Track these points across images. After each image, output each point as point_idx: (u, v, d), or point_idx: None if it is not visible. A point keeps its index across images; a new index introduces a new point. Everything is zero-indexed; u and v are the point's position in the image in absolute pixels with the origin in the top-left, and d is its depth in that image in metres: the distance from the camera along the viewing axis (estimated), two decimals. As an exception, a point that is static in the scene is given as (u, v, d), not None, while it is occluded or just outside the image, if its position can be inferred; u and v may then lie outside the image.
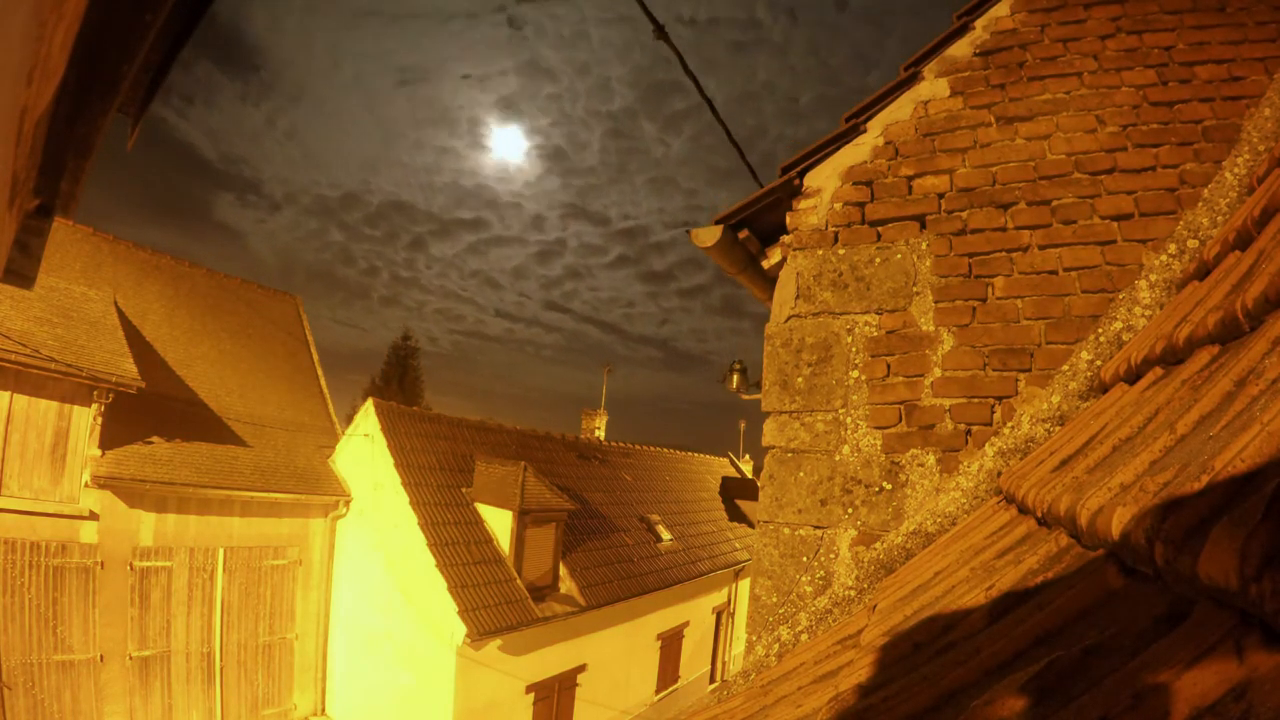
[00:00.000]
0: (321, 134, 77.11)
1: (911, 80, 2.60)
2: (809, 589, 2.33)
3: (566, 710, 11.17)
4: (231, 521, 10.20)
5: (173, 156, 62.90)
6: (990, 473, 2.04)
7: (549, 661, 10.65)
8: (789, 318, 2.56)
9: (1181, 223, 2.09)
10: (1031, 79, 2.43)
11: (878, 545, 2.20)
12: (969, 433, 2.19)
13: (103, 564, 8.74)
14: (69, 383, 8.50)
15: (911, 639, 1.21)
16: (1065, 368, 2.08)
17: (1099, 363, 2.01)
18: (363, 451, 11.18)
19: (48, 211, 1.61)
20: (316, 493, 11.11)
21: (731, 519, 18.44)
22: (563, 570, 11.19)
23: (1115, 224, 2.19)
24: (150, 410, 9.93)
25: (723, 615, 16.62)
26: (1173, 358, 1.44)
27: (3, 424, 8.07)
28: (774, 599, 2.40)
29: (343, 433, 12.50)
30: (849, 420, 2.37)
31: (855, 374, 2.40)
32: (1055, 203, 2.27)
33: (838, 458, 2.37)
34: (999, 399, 2.18)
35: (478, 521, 10.73)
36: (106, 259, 12.09)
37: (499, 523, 10.71)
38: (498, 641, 9.52)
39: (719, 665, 16.54)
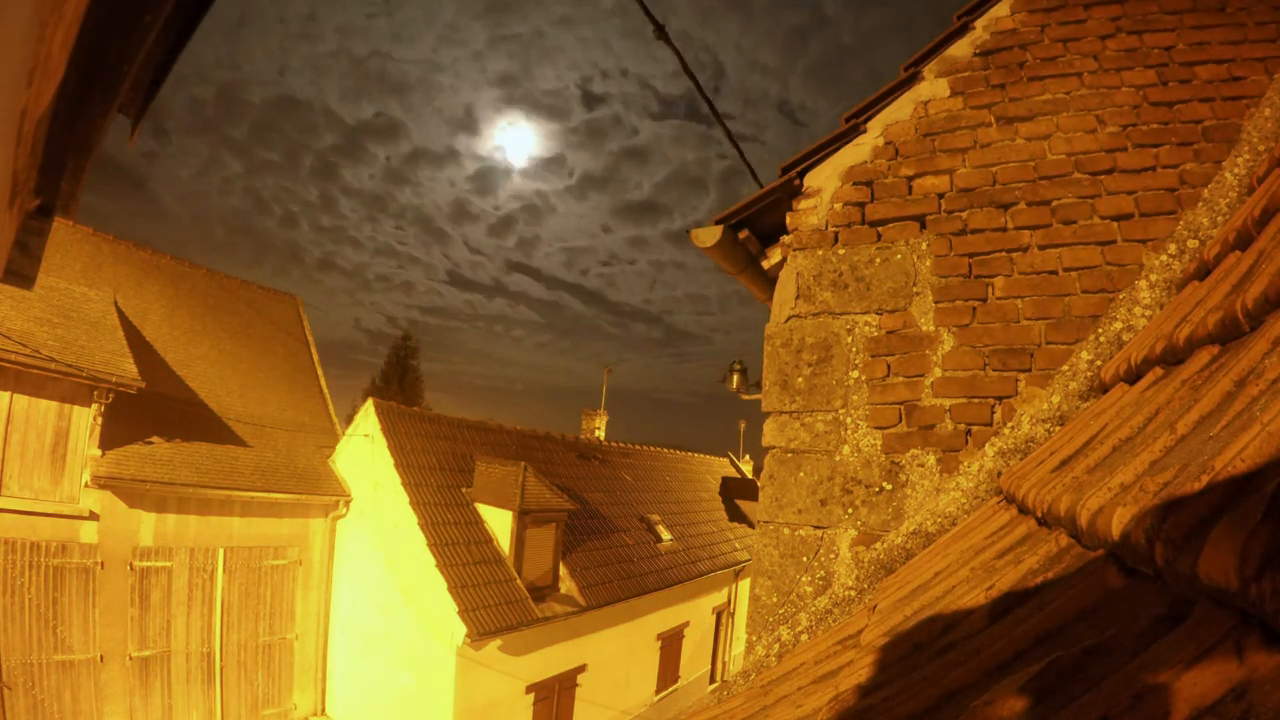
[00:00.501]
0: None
1: (911, 80, 2.60)
2: (809, 589, 2.33)
3: (566, 710, 11.17)
4: (231, 521, 10.20)
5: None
6: (990, 473, 2.04)
7: (549, 661, 10.64)
8: (789, 318, 2.56)
9: (1181, 223, 2.09)
10: (1031, 79, 2.43)
11: (878, 545, 2.20)
12: (969, 433, 2.19)
13: (103, 564, 8.74)
14: (69, 383, 8.50)
15: (912, 639, 1.21)
16: (1065, 368, 2.08)
17: (1099, 363, 2.01)
18: (363, 451, 11.17)
19: (48, 211, 1.61)
20: (316, 493, 11.10)
21: (731, 519, 18.44)
22: (563, 570, 11.18)
23: (1115, 224, 2.18)
24: (150, 410, 9.93)
25: (723, 615, 16.62)
26: (1173, 358, 1.44)
27: (3, 424, 8.07)
28: (774, 599, 2.40)
29: (343, 433, 12.50)
30: (849, 420, 2.37)
31: (855, 374, 2.40)
32: (1055, 203, 2.27)
33: (838, 458, 2.37)
34: (999, 399, 2.18)
35: (478, 521, 10.73)
36: (106, 259, 12.09)
37: (499, 523, 10.71)
38: (498, 641, 9.52)
39: (719, 665, 16.53)
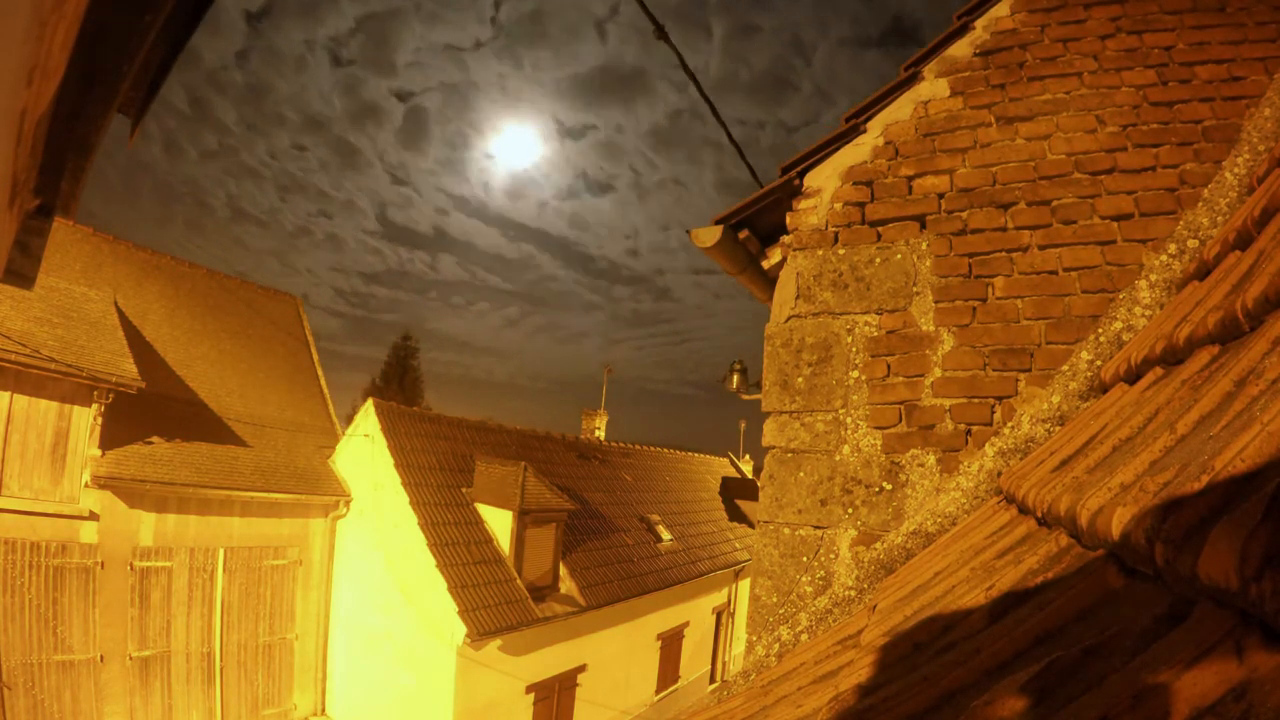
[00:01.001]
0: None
1: (911, 80, 2.60)
2: (809, 589, 2.33)
3: (566, 710, 11.17)
4: (231, 521, 10.20)
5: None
6: (990, 473, 2.04)
7: (549, 661, 10.64)
8: (789, 318, 2.56)
9: (1181, 223, 2.09)
10: (1031, 79, 2.43)
11: (878, 545, 2.20)
12: (969, 433, 2.19)
13: (103, 564, 8.74)
14: (69, 383, 8.50)
15: (912, 639, 1.21)
16: (1065, 368, 2.08)
17: (1099, 363, 2.01)
18: (363, 452, 11.17)
19: (48, 211, 1.61)
20: (316, 493, 11.10)
21: (731, 519, 18.44)
22: (563, 570, 11.18)
23: (1115, 224, 2.18)
24: (150, 410, 9.93)
25: (723, 615, 16.62)
26: (1173, 358, 1.44)
27: (3, 424, 8.07)
28: (774, 599, 2.40)
29: (343, 433, 12.51)
30: (849, 420, 2.37)
31: (855, 374, 2.40)
32: (1055, 203, 2.27)
33: (838, 458, 2.37)
34: (999, 399, 2.18)
35: (478, 521, 10.73)
36: (106, 259, 12.09)
37: (499, 523, 10.71)
38: (498, 641, 9.52)
39: (719, 665, 16.53)
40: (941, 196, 2.43)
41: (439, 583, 9.25)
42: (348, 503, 11.39)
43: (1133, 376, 1.66)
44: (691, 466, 20.21)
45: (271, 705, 10.56)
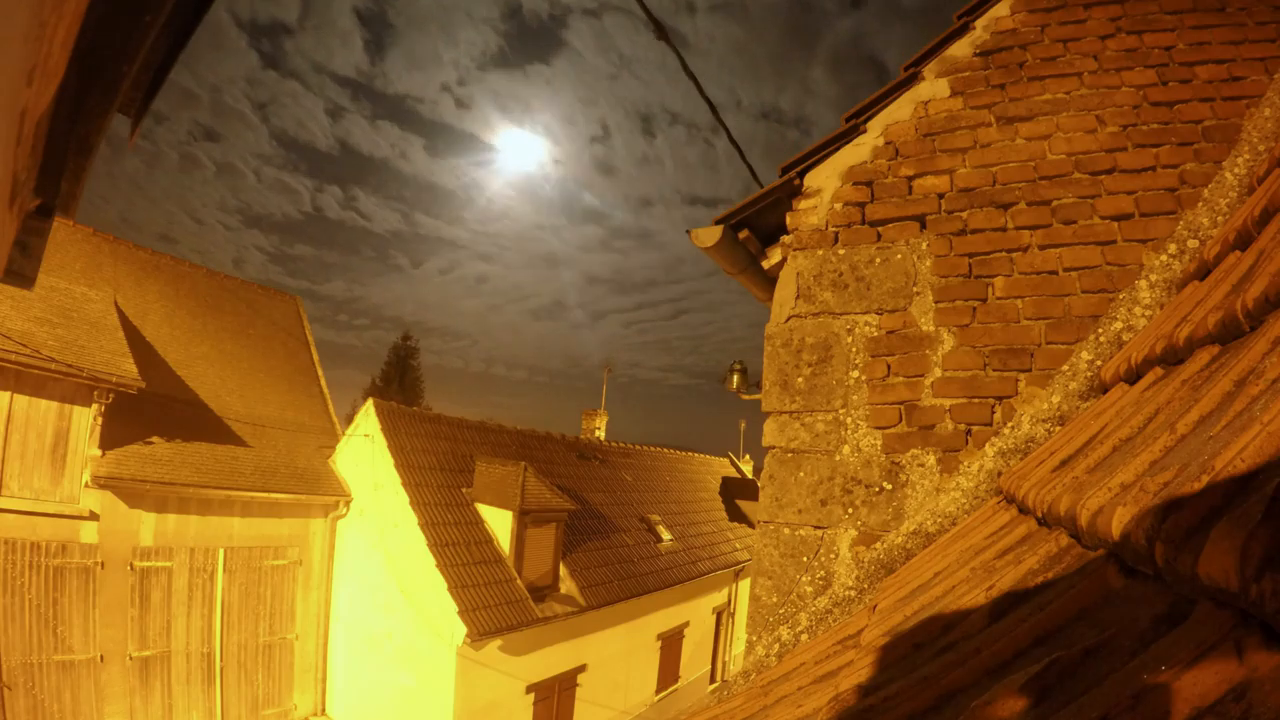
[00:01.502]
0: None
1: (911, 80, 2.60)
2: (809, 589, 2.33)
3: (566, 710, 11.17)
4: (231, 521, 10.20)
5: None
6: (990, 473, 2.04)
7: (549, 661, 10.64)
8: (789, 318, 2.56)
9: (1181, 223, 2.09)
10: (1031, 79, 2.43)
11: (878, 545, 2.20)
12: (969, 433, 2.19)
13: (103, 564, 8.74)
14: (69, 383, 8.50)
15: (912, 639, 1.21)
16: (1065, 368, 2.08)
17: (1099, 363, 2.01)
18: (363, 451, 11.17)
19: (48, 211, 1.61)
20: (316, 493, 11.10)
21: (731, 519, 18.44)
22: (563, 570, 11.18)
23: (1115, 224, 2.18)
24: (150, 410, 9.93)
25: (723, 615, 16.62)
26: (1173, 358, 1.44)
27: (3, 424, 8.07)
28: (774, 599, 2.40)
29: (343, 433, 12.51)
30: (849, 420, 2.37)
31: (855, 374, 2.40)
32: (1055, 203, 2.27)
33: (838, 458, 2.37)
34: (999, 399, 2.18)
35: (478, 521, 10.73)
36: (106, 259, 12.09)
37: (499, 523, 10.71)
38: (498, 641, 9.52)
39: (719, 665, 16.53)
40: (941, 196, 2.42)
41: (439, 583, 9.25)
42: (348, 503, 11.39)
43: (1133, 376, 1.66)
44: (691, 466, 20.21)
45: (271, 705, 10.57)
